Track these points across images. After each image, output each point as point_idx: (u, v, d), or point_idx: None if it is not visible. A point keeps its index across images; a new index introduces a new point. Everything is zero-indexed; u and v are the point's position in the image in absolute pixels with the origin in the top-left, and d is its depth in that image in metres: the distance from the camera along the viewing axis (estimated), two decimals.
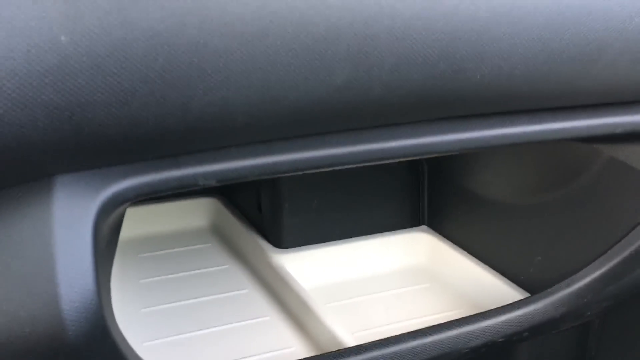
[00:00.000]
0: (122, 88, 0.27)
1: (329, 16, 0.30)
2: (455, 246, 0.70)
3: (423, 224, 0.75)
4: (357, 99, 0.33)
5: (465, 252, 0.69)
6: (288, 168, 0.36)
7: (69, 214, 0.29)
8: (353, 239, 0.72)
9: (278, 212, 0.69)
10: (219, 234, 0.80)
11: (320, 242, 0.70)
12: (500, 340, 0.52)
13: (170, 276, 0.69)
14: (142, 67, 0.27)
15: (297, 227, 0.69)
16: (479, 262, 0.66)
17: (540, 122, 0.42)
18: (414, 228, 0.74)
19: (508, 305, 0.53)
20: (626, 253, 0.53)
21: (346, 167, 0.39)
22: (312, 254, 0.69)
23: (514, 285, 0.61)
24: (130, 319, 0.59)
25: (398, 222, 0.74)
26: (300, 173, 0.37)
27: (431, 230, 0.74)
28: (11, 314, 0.29)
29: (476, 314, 0.52)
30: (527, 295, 0.58)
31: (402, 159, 0.41)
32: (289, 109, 0.32)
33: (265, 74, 0.30)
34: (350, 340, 0.54)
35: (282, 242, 0.69)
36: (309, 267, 0.69)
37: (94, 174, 0.31)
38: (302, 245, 0.69)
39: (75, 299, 0.29)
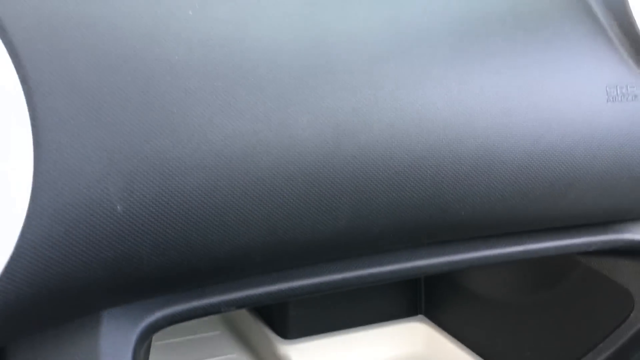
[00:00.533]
0: (163, 242, 0.33)
1: (333, 177, 0.36)
2: (450, 336, 0.75)
3: (420, 314, 0.80)
4: (358, 237, 0.39)
5: (459, 343, 0.73)
6: (299, 292, 0.41)
7: (113, 344, 0.35)
8: (354, 328, 0.77)
9: (284, 303, 0.73)
10: (227, 322, 0.85)
11: (323, 332, 0.75)
12: None
13: None
14: (180, 226, 0.33)
15: (302, 318, 0.74)
16: (472, 353, 0.71)
17: (519, 243, 0.48)
18: (411, 317, 0.79)
19: None
20: (608, 353, 0.57)
21: (348, 288, 0.44)
22: (315, 345, 0.74)
23: None
24: None
25: (396, 312, 0.79)
26: (309, 295, 0.43)
27: (427, 320, 0.79)
28: None
29: None
30: None
31: (400, 279, 0.46)
32: (299, 248, 0.38)
33: (280, 224, 0.36)
34: None
35: (287, 332, 0.74)
36: (312, 357, 0.73)
37: (134, 307, 0.36)
38: (306, 335, 0.74)
39: None
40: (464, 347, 0.72)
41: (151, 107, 0.32)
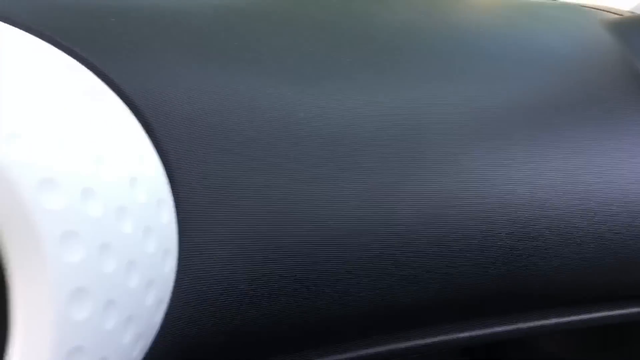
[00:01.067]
0: (279, 315, 0.37)
1: (429, 254, 0.40)
2: None
3: None
4: (444, 305, 0.43)
5: None
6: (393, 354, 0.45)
7: None
8: None
9: None
10: None
11: None
12: None
13: None
14: (294, 300, 0.37)
15: None
16: None
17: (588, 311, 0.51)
18: None
19: None
20: None
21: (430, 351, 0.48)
22: None
23: None
24: None
25: None
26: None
27: None
28: None
29: None
30: None
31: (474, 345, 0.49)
32: (393, 315, 0.42)
33: (378, 294, 0.40)
34: None
35: None
36: None
37: None
38: None
39: None
40: None
41: (274, 198, 0.36)
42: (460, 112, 0.43)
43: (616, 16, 0.61)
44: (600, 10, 0.63)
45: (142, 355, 0.33)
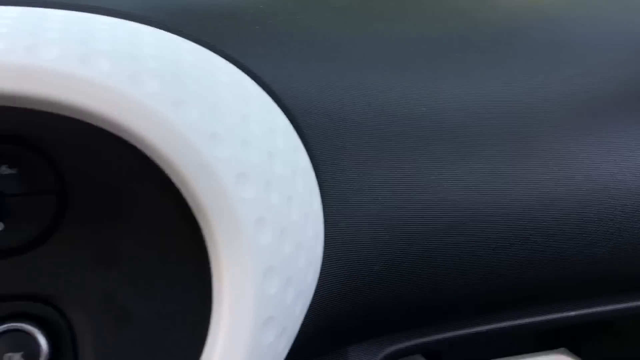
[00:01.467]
0: (404, 292, 0.41)
1: (536, 237, 0.43)
2: None
3: (562, 347, 0.84)
4: (548, 285, 0.46)
5: None
6: (492, 334, 0.48)
7: None
8: (501, 358, 0.82)
9: None
10: None
11: None
12: None
13: None
14: (419, 279, 0.41)
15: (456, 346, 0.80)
16: None
17: None
18: (554, 350, 0.84)
19: None
20: None
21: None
22: None
23: None
24: None
25: (540, 344, 0.84)
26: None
27: (570, 353, 0.83)
28: None
29: None
30: None
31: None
32: (503, 295, 0.45)
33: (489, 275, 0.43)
34: None
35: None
36: None
37: (371, 343, 0.44)
38: None
39: None
40: None
41: (402, 187, 0.40)
42: (569, 101, 0.46)
43: None
44: None
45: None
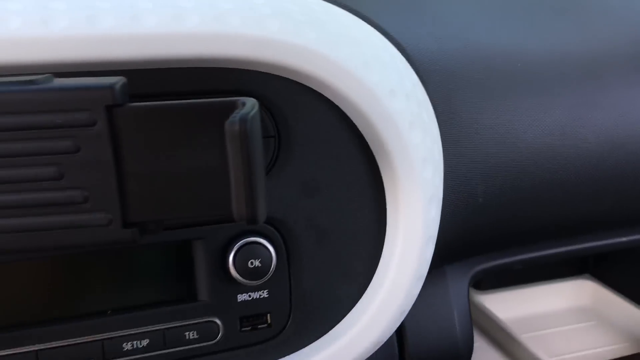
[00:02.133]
0: (503, 220, 0.49)
1: (607, 175, 0.51)
2: (615, 291, 0.89)
3: (587, 273, 0.95)
4: (615, 216, 0.54)
5: (624, 297, 0.88)
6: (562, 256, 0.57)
7: (455, 285, 0.52)
8: (531, 283, 0.92)
9: None
10: None
11: (508, 286, 0.91)
12: None
13: None
14: (516, 207, 0.49)
15: (492, 275, 0.90)
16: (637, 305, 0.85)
17: None
18: (579, 276, 0.94)
19: None
20: None
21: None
22: (501, 295, 0.90)
23: None
24: None
25: (566, 271, 0.94)
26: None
27: (594, 278, 0.93)
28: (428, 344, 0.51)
29: None
30: None
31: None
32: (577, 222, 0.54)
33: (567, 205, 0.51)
34: None
35: (481, 284, 0.90)
36: (499, 304, 0.90)
37: (464, 264, 0.53)
38: (494, 288, 0.91)
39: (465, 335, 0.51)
40: (629, 300, 0.86)
41: (500, 130, 0.47)
42: (633, 53, 0.53)
43: None
44: None
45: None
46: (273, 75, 0.34)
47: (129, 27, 0.31)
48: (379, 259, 0.37)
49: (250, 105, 0.25)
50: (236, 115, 0.24)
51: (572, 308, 0.94)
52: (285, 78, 0.34)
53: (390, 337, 0.52)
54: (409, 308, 0.39)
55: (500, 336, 0.84)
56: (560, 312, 0.95)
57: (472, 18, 0.51)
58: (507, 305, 0.93)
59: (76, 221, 0.26)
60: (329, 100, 0.35)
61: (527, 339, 0.86)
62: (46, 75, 0.25)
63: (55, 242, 0.26)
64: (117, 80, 0.25)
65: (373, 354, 0.49)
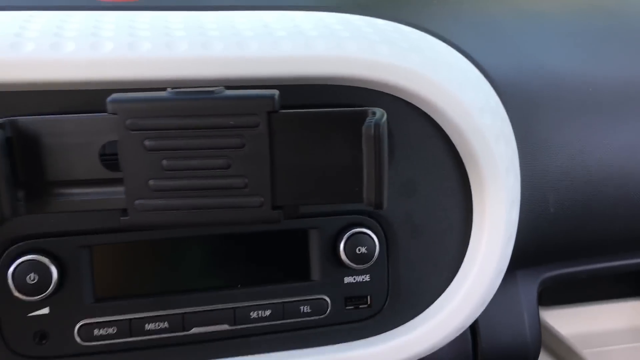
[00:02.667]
0: (573, 230, 0.54)
1: None
2: None
3: None
4: None
5: None
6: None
7: (524, 290, 0.56)
8: (591, 302, 0.95)
9: None
10: None
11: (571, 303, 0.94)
12: None
13: None
14: (587, 217, 0.54)
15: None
16: None
17: None
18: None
19: None
20: None
21: None
22: (565, 312, 0.93)
23: None
24: None
25: (626, 291, 0.97)
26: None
27: None
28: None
29: None
30: None
31: None
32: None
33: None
34: None
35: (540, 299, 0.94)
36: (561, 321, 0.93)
37: (533, 269, 0.58)
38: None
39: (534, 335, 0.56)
40: None
41: (572, 151, 0.52)
42: None
43: None
44: None
45: None
46: (381, 92, 0.40)
47: (270, 50, 0.38)
48: (465, 254, 0.43)
49: (380, 114, 0.31)
50: (371, 120, 0.31)
51: (631, 327, 0.96)
52: (390, 94, 0.41)
53: (465, 333, 0.57)
54: (489, 299, 0.44)
55: (561, 350, 0.87)
56: (619, 331, 0.96)
57: (546, 44, 0.56)
58: (566, 321, 0.95)
59: (237, 202, 0.32)
60: (426, 114, 0.41)
61: (587, 354, 0.89)
62: (219, 87, 0.32)
63: (221, 219, 0.32)
64: (274, 93, 0.32)
65: (450, 350, 0.54)
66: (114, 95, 0.31)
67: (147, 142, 0.31)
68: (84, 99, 0.36)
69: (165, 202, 0.32)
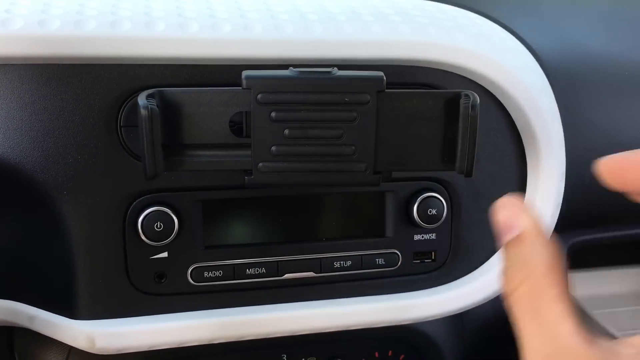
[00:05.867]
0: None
1: None
2: None
3: None
4: None
5: None
6: None
7: None
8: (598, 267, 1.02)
9: None
10: None
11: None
12: None
13: None
14: None
15: None
16: None
17: None
18: None
19: None
20: None
21: None
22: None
23: None
24: None
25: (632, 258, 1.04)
26: None
27: None
28: None
29: None
30: None
31: None
32: None
33: None
34: None
35: None
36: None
37: (565, 234, 0.64)
38: None
39: None
40: None
41: (616, 126, 0.58)
42: None
43: None
44: None
45: None
46: (453, 73, 0.46)
47: (361, 34, 0.43)
48: None
49: (474, 97, 0.37)
50: (468, 101, 0.36)
51: (636, 292, 1.03)
52: (460, 75, 0.46)
53: None
54: None
55: None
56: (626, 295, 1.04)
57: (590, 29, 0.61)
58: (576, 284, 1.02)
59: (346, 167, 0.38)
60: (489, 93, 0.47)
61: (596, 314, 0.96)
62: (334, 67, 0.38)
63: (331, 181, 0.38)
64: (381, 74, 0.37)
65: None
66: (248, 72, 0.37)
67: (273, 114, 0.37)
68: (200, 73, 0.42)
69: (285, 165, 0.38)
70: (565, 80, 0.58)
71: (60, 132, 0.40)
